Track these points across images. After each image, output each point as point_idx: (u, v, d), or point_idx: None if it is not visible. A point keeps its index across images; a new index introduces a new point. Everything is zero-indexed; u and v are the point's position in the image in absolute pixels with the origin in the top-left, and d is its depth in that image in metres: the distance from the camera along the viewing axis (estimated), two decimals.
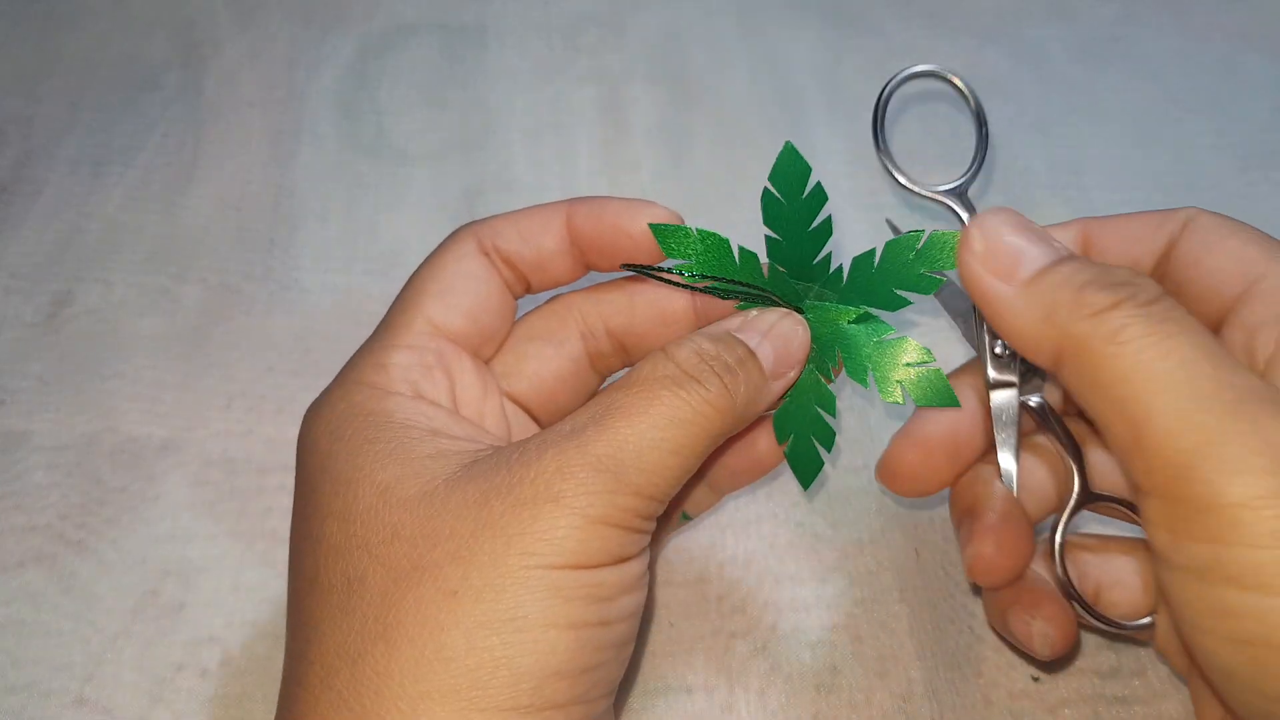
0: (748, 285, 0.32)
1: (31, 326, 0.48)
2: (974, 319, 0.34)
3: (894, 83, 0.35)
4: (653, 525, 0.28)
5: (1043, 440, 0.35)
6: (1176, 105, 0.58)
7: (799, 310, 0.32)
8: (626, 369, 0.36)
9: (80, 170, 0.55)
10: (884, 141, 0.34)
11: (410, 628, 0.25)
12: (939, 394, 0.31)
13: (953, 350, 0.45)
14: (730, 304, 0.33)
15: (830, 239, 0.32)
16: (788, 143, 0.32)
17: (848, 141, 0.55)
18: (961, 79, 0.36)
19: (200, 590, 0.39)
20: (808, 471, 0.33)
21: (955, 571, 0.39)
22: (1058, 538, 0.33)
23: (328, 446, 0.29)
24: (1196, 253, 0.31)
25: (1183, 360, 0.23)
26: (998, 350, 0.33)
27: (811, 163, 0.32)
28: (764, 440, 0.34)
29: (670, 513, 0.36)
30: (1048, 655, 0.32)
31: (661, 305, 0.34)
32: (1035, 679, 0.36)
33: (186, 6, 0.65)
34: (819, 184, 0.32)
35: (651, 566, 0.38)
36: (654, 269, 0.32)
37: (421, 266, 0.33)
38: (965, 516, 0.33)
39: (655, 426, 0.27)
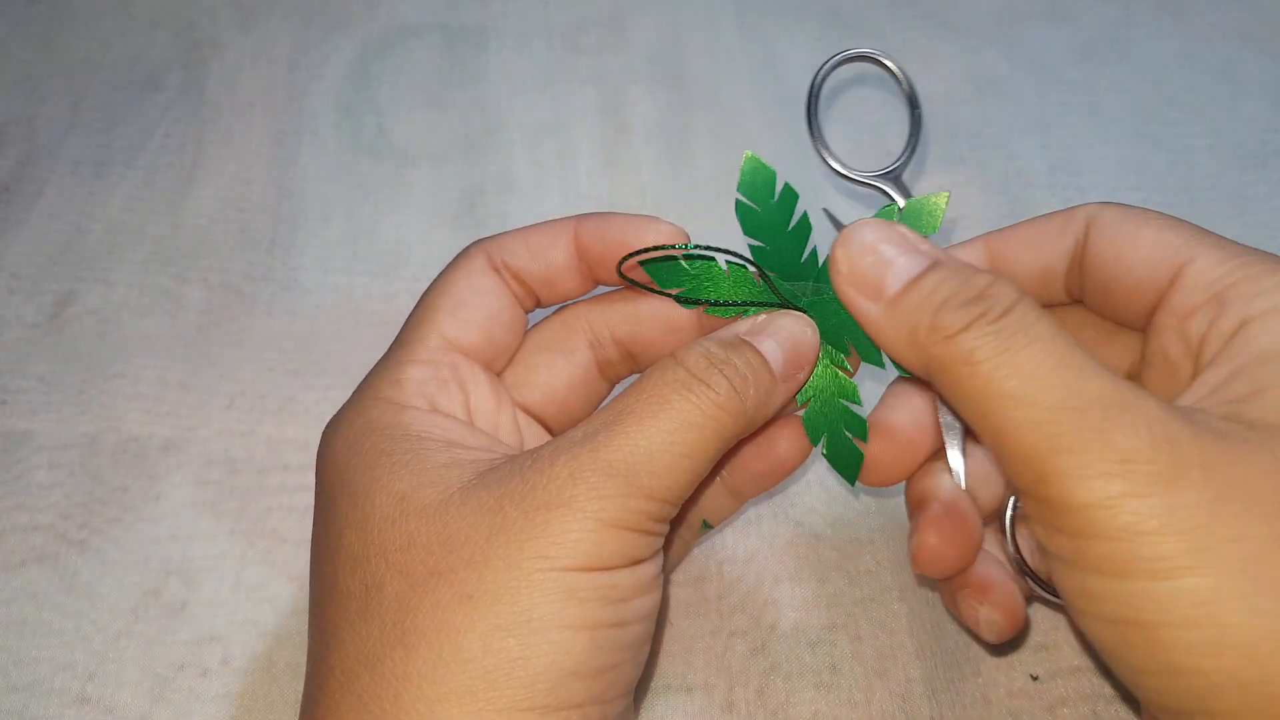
0: (740, 302, 0.32)
1: (33, 327, 0.48)
2: None
3: (827, 67, 0.35)
4: (665, 528, 0.29)
5: None
6: (1175, 106, 0.58)
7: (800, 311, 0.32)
8: (635, 375, 0.36)
9: (82, 171, 0.55)
10: (818, 128, 0.35)
11: (427, 631, 0.26)
12: None
13: None
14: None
15: (811, 234, 0.32)
16: (748, 153, 0.33)
17: (848, 142, 0.55)
18: (894, 61, 0.36)
19: (202, 589, 0.39)
20: (850, 466, 0.33)
21: None
22: (1008, 512, 0.33)
23: (345, 460, 0.29)
24: (1113, 249, 0.31)
25: (1032, 374, 0.25)
26: None
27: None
28: (784, 443, 0.34)
29: (691, 520, 0.36)
30: (993, 640, 0.33)
31: (666, 314, 0.34)
32: (1034, 678, 0.36)
33: (188, 7, 0.65)
34: (787, 184, 0.32)
35: (668, 572, 0.38)
36: (657, 290, 0.32)
37: (434, 283, 0.34)
38: (914, 509, 0.33)
39: (666, 430, 0.27)
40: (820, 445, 0.33)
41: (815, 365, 0.32)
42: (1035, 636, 0.37)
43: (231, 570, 0.40)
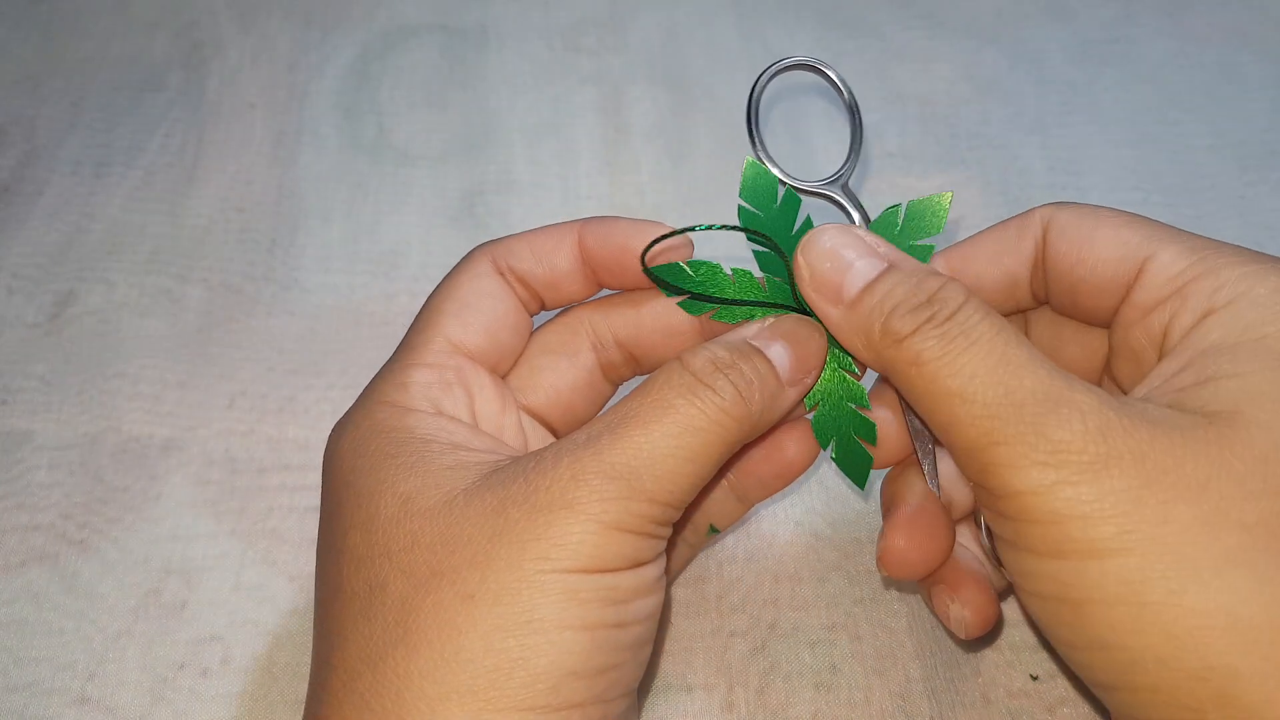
0: (746, 301, 0.32)
1: (34, 327, 0.48)
2: None
3: (766, 76, 0.35)
4: (668, 531, 0.29)
5: None
6: (1175, 106, 0.58)
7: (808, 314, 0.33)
8: (640, 377, 0.36)
9: (82, 171, 0.55)
10: (759, 137, 0.35)
11: (429, 631, 0.26)
12: None
13: None
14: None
15: None
16: (749, 158, 0.33)
17: (847, 143, 0.55)
18: (834, 70, 0.36)
19: (202, 589, 0.39)
20: (859, 470, 0.33)
21: None
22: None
23: (351, 462, 0.30)
24: (1073, 252, 0.31)
25: (973, 373, 0.26)
26: None
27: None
28: (792, 446, 0.34)
29: (697, 523, 0.36)
30: (963, 636, 0.33)
31: (667, 317, 0.34)
32: (1034, 677, 0.36)
33: (188, 8, 0.65)
34: (789, 189, 0.33)
35: (673, 576, 0.38)
36: (685, 291, 0.33)
37: (439, 287, 0.34)
38: (886, 510, 0.34)
39: (669, 434, 0.28)
40: (829, 449, 0.33)
41: (823, 369, 0.32)
42: (1035, 636, 0.37)
43: (231, 570, 0.40)
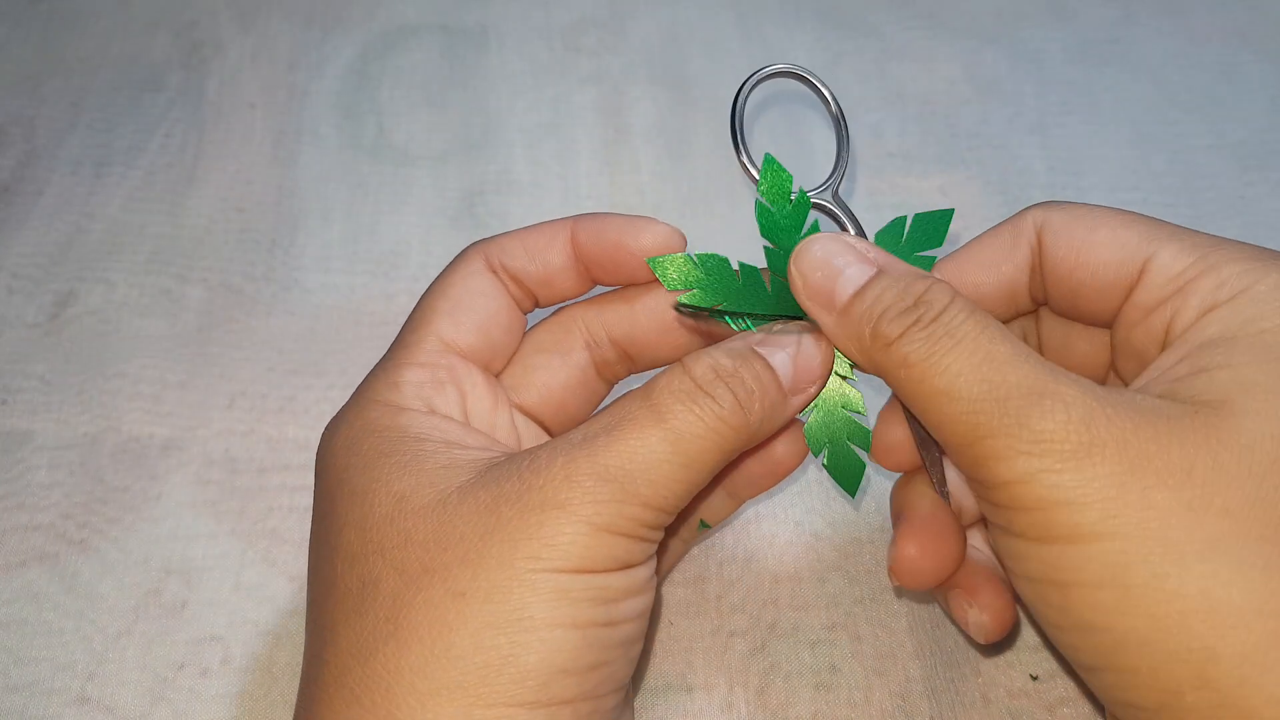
0: (766, 315, 0.32)
1: (34, 327, 0.48)
2: None
3: (750, 83, 0.35)
4: (660, 534, 0.29)
5: None
6: (1175, 106, 0.58)
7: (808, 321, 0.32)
8: (633, 375, 0.36)
9: (82, 171, 0.55)
10: (744, 145, 0.34)
11: (420, 628, 0.26)
12: None
13: None
14: None
15: None
16: (767, 154, 0.33)
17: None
18: (818, 78, 0.36)
19: (202, 589, 0.39)
20: (851, 478, 0.33)
21: None
22: None
23: (345, 461, 0.30)
24: (1072, 255, 0.31)
25: (958, 372, 0.27)
26: None
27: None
28: (780, 445, 0.34)
29: (689, 519, 0.36)
30: (982, 641, 0.33)
31: (661, 315, 0.34)
32: (1034, 677, 0.36)
33: (189, 8, 0.65)
34: (803, 190, 0.33)
35: (665, 573, 0.38)
36: (698, 308, 0.32)
37: (432, 285, 0.34)
38: (895, 519, 0.34)
39: (666, 440, 0.27)
40: (821, 456, 0.33)
41: (827, 380, 0.32)
42: (1035, 636, 0.37)
43: (231, 570, 0.40)
